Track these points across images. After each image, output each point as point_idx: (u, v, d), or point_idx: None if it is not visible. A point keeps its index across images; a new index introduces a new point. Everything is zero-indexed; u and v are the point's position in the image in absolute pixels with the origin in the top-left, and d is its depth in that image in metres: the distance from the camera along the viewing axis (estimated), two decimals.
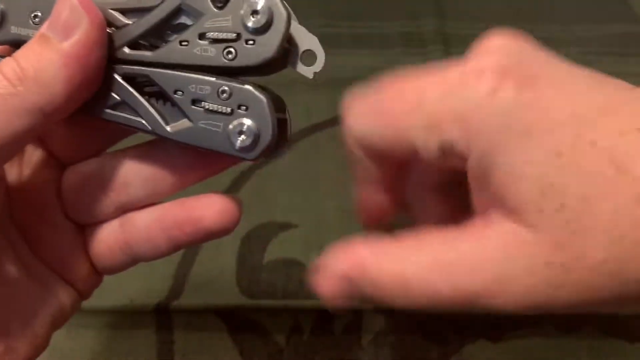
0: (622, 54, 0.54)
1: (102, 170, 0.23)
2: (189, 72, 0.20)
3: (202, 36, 0.20)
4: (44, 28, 0.19)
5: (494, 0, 0.59)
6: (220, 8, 0.19)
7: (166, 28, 0.20)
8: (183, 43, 0.20)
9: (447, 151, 0.18)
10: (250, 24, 0.19)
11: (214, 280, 0.39)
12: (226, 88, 0.20)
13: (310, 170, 0.45)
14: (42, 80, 0.18)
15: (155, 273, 0.39)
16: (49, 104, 0.18)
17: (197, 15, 0.20)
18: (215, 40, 0.19)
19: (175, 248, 0.23)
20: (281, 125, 0.20)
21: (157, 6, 0.20)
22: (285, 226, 0.42)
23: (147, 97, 0.21)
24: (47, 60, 0.18)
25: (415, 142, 0.19)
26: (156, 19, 0.20)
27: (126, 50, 0.20)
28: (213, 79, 0.20)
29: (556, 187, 0.16)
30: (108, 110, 0.21)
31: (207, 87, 0.20)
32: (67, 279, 0.24)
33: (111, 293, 0.38)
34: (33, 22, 0.20)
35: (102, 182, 0.23)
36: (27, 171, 0.24)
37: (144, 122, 0.21)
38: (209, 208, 0.22)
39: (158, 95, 0.21)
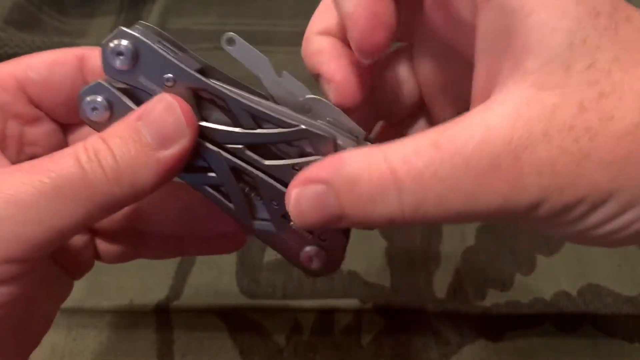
0: None
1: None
2: None
3: None
4: (143, 127, 0.19)
5: None
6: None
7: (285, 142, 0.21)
8: (296, 167, 0.21)
9: None
10: None
11: (214, 280, 0.39)
12: None
13: None
14: (137, 184, 0.19)
15: (155, 273, 0.39)
16: (135, 200, 0.19)
17: (317, 149, 0.21)
18: None
19: None
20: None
21: (287, 126, 0.20)
22: None
23: (242, 184, 0.22)
24: (142, 164, 0.19)
25: None
26: (281, 138, 0.21)
27: (246, 150, 0.21)
28: None
29: (589, 43, 0.15)
30: (206, 187, 0.22)
31: None
32: (71, 270, 0.25)
33: (111, 293, 0.38)
34: (165, 84, 0.20)
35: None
36: None
37: (232, 208, 0.22)
38: None
39: (252, 186, 0.22)
